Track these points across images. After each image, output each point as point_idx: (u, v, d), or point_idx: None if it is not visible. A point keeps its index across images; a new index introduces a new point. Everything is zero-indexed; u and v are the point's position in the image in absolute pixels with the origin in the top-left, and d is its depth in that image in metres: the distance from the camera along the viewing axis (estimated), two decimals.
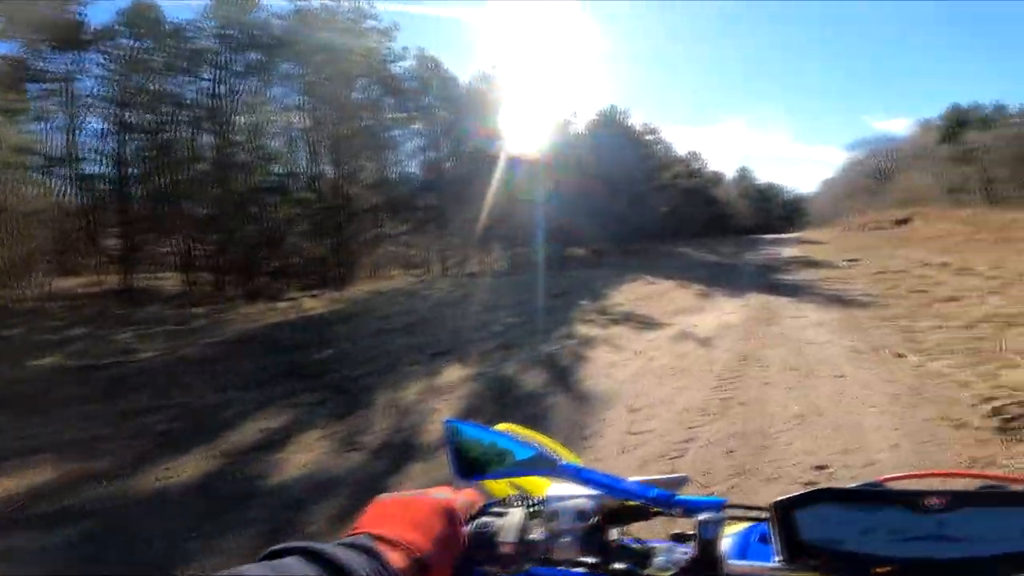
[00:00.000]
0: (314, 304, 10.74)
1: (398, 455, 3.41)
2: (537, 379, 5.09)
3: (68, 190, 10.83)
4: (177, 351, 7.03)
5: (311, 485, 3.05)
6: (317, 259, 13.46)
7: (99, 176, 10.94)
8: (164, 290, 11.14)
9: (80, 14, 11.16)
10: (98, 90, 11.43)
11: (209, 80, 12.20)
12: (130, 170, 11.31)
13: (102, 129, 11.26)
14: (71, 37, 10.82)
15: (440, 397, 4.62)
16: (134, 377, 5.62)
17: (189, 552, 2.44)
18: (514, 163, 17.33)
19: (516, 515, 0.57)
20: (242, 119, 12.30)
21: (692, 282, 11.97)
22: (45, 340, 7.25)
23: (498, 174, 16.21)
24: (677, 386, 4.53)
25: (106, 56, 11.36)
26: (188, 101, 12.00)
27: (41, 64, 10.74)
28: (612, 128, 28.27)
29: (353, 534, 0.47)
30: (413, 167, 17.70)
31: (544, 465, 0.62)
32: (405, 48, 16.42)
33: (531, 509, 0.59)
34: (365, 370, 5.51)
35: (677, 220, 31.38)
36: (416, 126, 17.20)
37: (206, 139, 12.15)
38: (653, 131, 34.94)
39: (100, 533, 2.59)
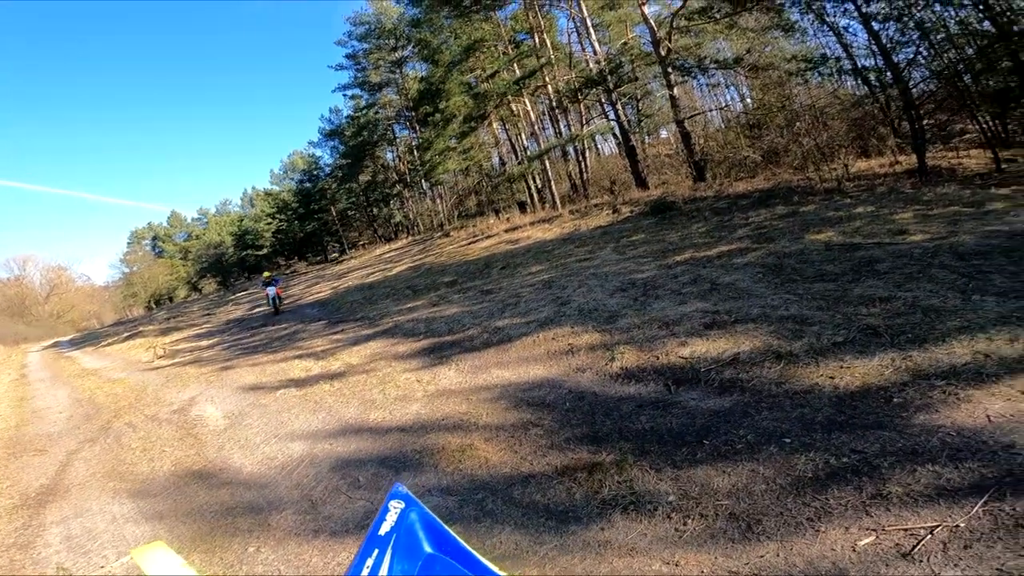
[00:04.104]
0: None
1: None
2: None
3: (851, 83, 11.04)
4: (951, 237, 6.32)
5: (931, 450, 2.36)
6: None
7: (872, 68, 10.44)
8: (966, 169, 9.76)
9: None
10: None
11: None
12: (897, 57, 10.12)
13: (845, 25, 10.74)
14: None
15: None
16: (886, 261, 5.61)
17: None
18: None
19: None
20: None
21: None
22: (831, 216, 8.20)
23: None
24: None
25: None
26: None
27: None
28: None
29: None
30: None
31: None
32: None
33: None
34: None
35: None
36: None
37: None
38: None
39: (737, 409, 3.10)
